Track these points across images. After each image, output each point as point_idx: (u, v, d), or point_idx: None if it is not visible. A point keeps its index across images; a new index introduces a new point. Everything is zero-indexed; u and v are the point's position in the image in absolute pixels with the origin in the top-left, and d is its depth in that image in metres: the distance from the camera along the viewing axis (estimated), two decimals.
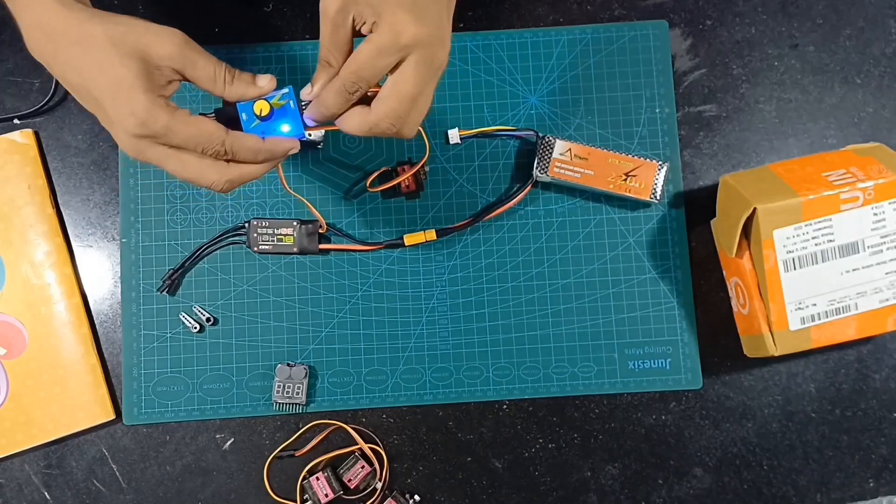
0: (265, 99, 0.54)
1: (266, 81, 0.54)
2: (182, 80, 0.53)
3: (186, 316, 0.70)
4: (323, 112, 0.53)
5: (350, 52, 0.52)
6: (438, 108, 0.72)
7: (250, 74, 0.54)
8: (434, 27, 0.50)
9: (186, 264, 0.70)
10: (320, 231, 0.70)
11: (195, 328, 0.69)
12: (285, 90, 0.54)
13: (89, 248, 0.71)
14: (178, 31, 0.52)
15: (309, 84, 0.54)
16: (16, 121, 0.72)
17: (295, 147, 0.54)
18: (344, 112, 0.53)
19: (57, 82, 0.72)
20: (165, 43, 0.51)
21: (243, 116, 0.54)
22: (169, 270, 0.70)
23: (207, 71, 0.52)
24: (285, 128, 0.54)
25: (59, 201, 0.71)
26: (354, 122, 0.53)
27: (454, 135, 0.71)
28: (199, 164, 0.52)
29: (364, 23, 0.51)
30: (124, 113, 0.50)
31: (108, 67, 0.50)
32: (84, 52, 0.51)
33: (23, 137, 0.71)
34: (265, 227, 0.70)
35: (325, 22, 0.51)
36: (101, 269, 0.71)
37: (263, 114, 0.54)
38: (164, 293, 0.70)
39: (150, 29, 0.52)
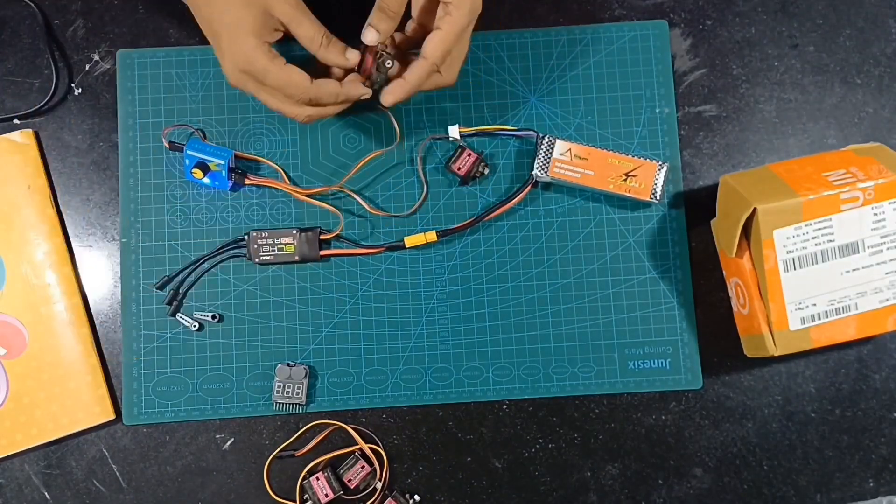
0: (205, 161, 0.69)
1: (353, 56, 0.63)
2: (286, 33, 0.62)
3: (184, 316, 0.70)
4: (411, 91, 0.63)
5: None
6: (438, 107, 0.72)
7: (343, 45, 0.63)
8: None
9: (184, 276, 0.70)
10: (322, 238, 0.70)
11: (194, 326, 0.69)
12: (221, 161, 0.69)
13: (89, 248, 0.71)
14: None
15: (371, 28, 0.61)
16: (16, 121, 0.72)
17: (367, 93, 0.63)
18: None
19: (56, 83, 0.72)
20: (283, 1, 0.60)
21: (186, 162, 0.69)
22: (164, 278, 0.70)
23: (309, 32, 0.61)
24: (205, 179, 0.69)
25: (59, 201, 0.71)
26: (415, 77, 0.62)
27: (454, 131, 0.71)
28: (283, 103, 0.62)
29: None
30: (235, 50, 0.60)
31: (234, 9, 0.59)
32: None
33: (23, 137, 0.71)
34: (265, 237, 0.70)
35: None
36: (101, 269, 0.71)
37: (197, 177, 0.69)
38: (169, 315, 0.70)
39: None
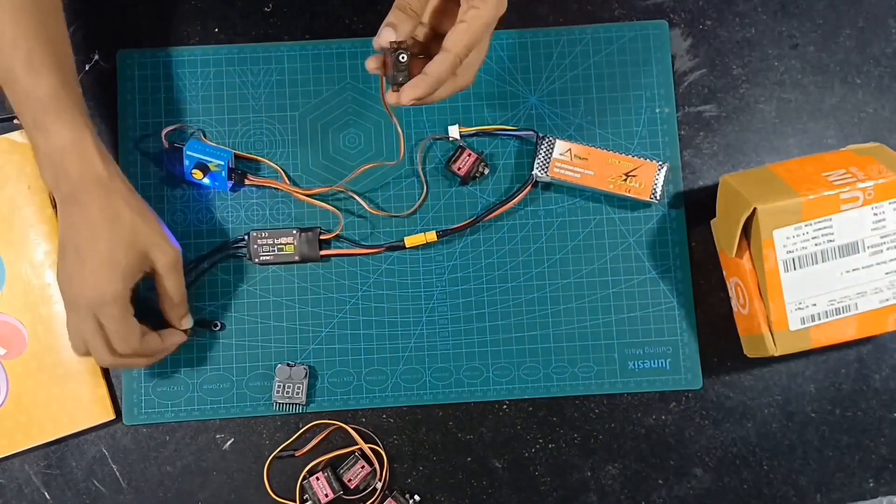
0: (204, 161, 0.69)
1: (187, 323, 0.67)
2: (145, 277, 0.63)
3: None
4: (432, 86, 0.57)
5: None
6: (438, 107, 0.72)
7: (187, 308, 0.66)
8: None
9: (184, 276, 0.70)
10: (322, 238, 0.70)
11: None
12: (221, 162, 0.69)
13: None
14: (178, 250, 0.63)
15: (388, 28, 0.57)
16: (16, 121, 0.72)
17: (183, 339, 0.67)
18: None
19: None
20: (165, 257, 0.62)
21: (186, 162, 0.69)
22: None
23: (171, 293, 0.64)
24: (205, 179, 0.69)
25: None
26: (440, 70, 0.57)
27: (454, 131, 0.71)
28: (103, 349, 0.62)
29: None
30: (100, 290, 0.59)
31: (115, 249, 0.60)
32: (108, 226, 0.60)
33: (23, 137, 0.71)
34: (265, 237, 0.69)
35: None
36: None
37: (197, 177, 0.69)
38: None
39: (162, 237, 0.62)
